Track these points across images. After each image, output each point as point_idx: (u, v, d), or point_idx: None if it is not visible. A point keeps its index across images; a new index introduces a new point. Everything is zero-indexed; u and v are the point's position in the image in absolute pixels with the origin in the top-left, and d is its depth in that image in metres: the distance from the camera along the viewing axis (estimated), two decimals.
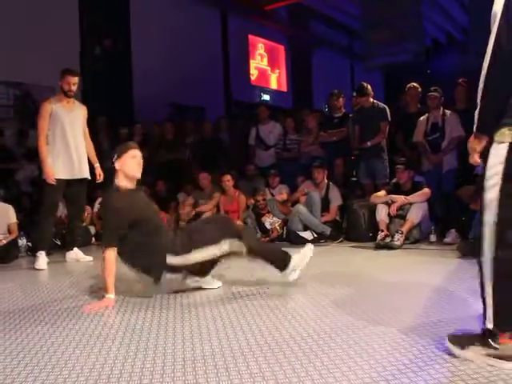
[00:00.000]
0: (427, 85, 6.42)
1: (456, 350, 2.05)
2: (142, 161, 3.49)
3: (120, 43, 10.13)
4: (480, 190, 1.98)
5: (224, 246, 3.26)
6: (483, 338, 1.99)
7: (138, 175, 3.45)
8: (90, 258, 5.32)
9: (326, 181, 6.39)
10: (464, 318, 2.60)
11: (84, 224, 6.57)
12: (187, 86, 10.98)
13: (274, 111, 9.06)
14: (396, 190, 5.72)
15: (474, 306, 2.80)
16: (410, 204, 5.52)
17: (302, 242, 5.86)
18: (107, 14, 9.79)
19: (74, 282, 4.12)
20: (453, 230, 5.37)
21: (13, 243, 5.81)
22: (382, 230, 5.43)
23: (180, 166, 8.10)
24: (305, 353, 2.20)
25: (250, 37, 14.35)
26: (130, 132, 8.44)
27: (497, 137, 1.92)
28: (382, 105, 6.54)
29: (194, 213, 7.21)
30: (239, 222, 6.84)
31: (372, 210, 5.82)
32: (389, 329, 2.48)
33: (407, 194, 5.59)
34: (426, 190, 5.54)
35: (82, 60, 9.63)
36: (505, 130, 1.90)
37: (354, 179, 6.83)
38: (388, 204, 5.63)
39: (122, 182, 3.42)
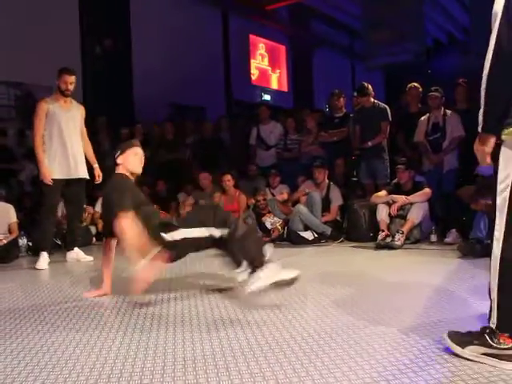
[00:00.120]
0: (428, 85, 6.42)
1: (455, 348, 2.06)
2: (143, 159, 3.58)
3: (120, 43, 10.14)
4: (492, 192, 1.99)
5: (207, 232, 3.20)
6: (483, 337, 1.99)
7: (139, 171, 3.54)
8: (91, 258, 5.32)
9: (326, 181, 6.39)
10: (464, 318, 2.59)
11: (84, 224, 6.57)
12: (188, 86, 10.99)
13: (275, 111, 9.06)
14: (397, 190, 5.72)
15: (474, 306, 2.80)
16: (411, 204, 5.52)
17: (303, 242, 5.89)
18: (107, 13, 9.80)
19: (75, 282, 4.12)
20: (453, 230, 5.37)
21: (13, 243, 5.81)
22: (383, 230, 5.43)
23: (180, 165, 8.11)
24: (305, 353, 2.20)
25: (251, 36, 14.36)
26: (130, 132, 8.44)
27: (505, 136, 1.91)
28: (382, 105, 6.53)
29: None
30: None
31: (373, 210, 5.81)
32: (389, 329, 2.48)
33: (408, 194, 5.58)
34: (427, 190, 5.54)
35: (83, 60, 9.63)
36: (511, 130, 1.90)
37: (354, 179, 6.83)
38: (389, 204, 5.62)
39: (121, 174, 3.50)
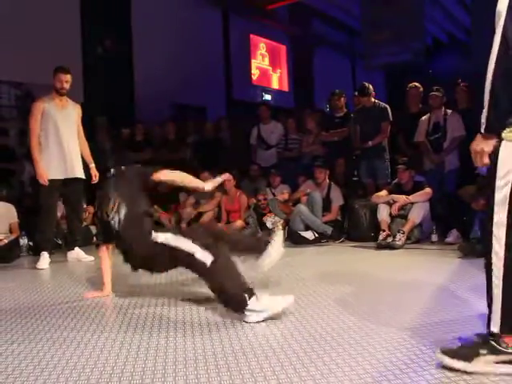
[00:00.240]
0: (429, 85, 6.42)
1: (460, 364, 1.91)
2: None
3: (121, 43, 10.13)
4: (490, 189, 1.93)
5: (192, 248, 2.87)
6: (489, 344, 1.90)
7: None
8: (92, 258, 5.32)
9: (327, 181, 6.39)
10: (465, 319, 2.59)
11: (85, 224, 6.57)
12: (188, 86, 10.98)
13: (276, 111, 9.05)
14: (397, 189, 5.72)
15: (475, 306, 2.80)
16: (412, 204, 5.52)
17: (304, 241, 5.89)
18: (108, 14, 9.78)
19: (76, 282, 4.12)
20: (454, 230, 5.37)
21: (14, 242, 5.81)
22: (384, 230, 5.43)
23: (181, 165, 8.08)
24: (306, 352, 2.20)
25: (252, 36, 14.34)
26: (131, 132, 8.44)
27: (507, 136, 1.89)
28: (383, 104, 6.53)
29: (195, 213, 7.21)
30: (240, 222, 6.86)
31: (373, 209, 5.82)
32: (390, 328, 2.48)
33: (408, 193, 5.59)
34: (428, 190, 5.54)
35: (84, 60, 9.63)
36: None
37: (355, 179, 6.82)
38: (389, 204, 5.62)
39: None
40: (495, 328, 1.90)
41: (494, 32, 1.88)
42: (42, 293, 3.77)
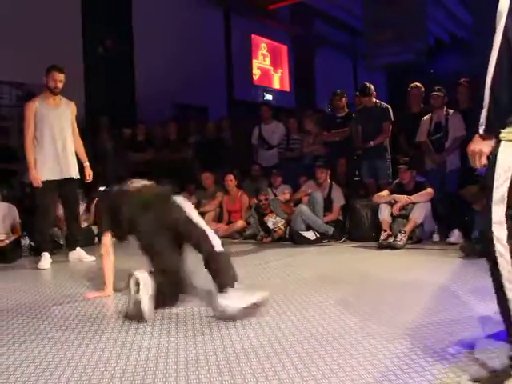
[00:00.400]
0: (430, 85, 6.41)
1: None
2: None
3: (122, 43, 10.14)
4: (487, 189, 1.89)
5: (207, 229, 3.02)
6: None
7: None
8: (93, 258, 5.31)
9: (328, 181, 6.38)
10: (466, 319, 2.59)
11: (86, 224, 6.57)
12: (190, 86, 10.98)
13: (277, 111, 9.05)
14: (399, 189, 5.71)
15: (476, 307, 2.80)
16: (413, 204, 5.52)
17: (305, 241, 5.89)
18: (109, 13, 9.79)
19: (77, 282, 4.12)
20: (456, 230, 5.36)
21: (16, 243, 5.81)
22: (385, 230, 5.42)
23: (183, 165, 8.11)
24: (308, 353, 2.20)
25: (253, 36, 14.34)
26: (132, 132, 8.45)
27: (507, 136, 1.87)
28: (384, 104, 6.53)
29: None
30: (241, 222, 6.86)
31: (375, 209, 5.81)
32: (391, 329, 2.48)
33: (410, 193, 5.58)
34: (429, 190, 5.53)
35: (85, 60, 9.64)
36: None
37: (356, 179, 6.81)
38: (391, 204, 5.62)
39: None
40: None
41: (494, 32, 1.87)
42: (43, 293, 3.77)
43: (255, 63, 14.52)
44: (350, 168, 6.99)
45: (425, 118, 6.19)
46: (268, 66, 15.06)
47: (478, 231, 4.58)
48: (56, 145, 5.14)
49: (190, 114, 10.89)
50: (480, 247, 4.48)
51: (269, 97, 14.66)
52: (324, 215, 6.14)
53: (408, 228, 5.35)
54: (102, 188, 3.83)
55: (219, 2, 12.62)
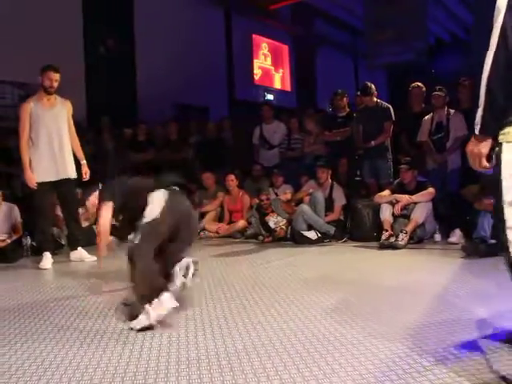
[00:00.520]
0: (431, 84, 6.41)
1: None
2: None
3: (124, 43, 10.15)
4: (497, 192, 1.85)
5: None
6: None
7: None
8: (95, 258, 5.30)
9: (329, 180, 6.38)
10: (468, 319, 2.59)
11: (88, 224, 6.56)
12: (191, 86, 10.99)
13: (278, 111, 9.05)
14: (400, 189, 5.71)
15: (477, 307, 2.80)
16: (415, 203, 5.51)
17: (307, 241, 5.89)
18: (111, 13, 9.80)
19: (78, 282, 4.12)
20: (457, 230, 5.35)
21: (17, 243, 5.81)
22: (387, 230, 5.42)
23: (184, 165, 8.12)
24: (309, 352, 2.20)
25: (254, 36, 14.35)
26: (133, 132, 8.45)
27: (504, 137, 1.83)
28: (385, 104, 6.52)
29: (198, 212, 7.22)
30: (243, 222, 6.86)
31: (376, 209, 5.80)
32: (393, 329, 2.48)
33: (411, 193, 5.57)
34: (431, 190, 5.53)
35: (86, 60, 9.65)
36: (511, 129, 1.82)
37: (357, 179, 6.81)
38: (392, 203, 5.61)
39: None
40: None
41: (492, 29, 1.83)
42: (44, 293, 3.77)
43: (256, 63, 14.53)
44: (351, 168, 6.98)
45: (426, 117, 6.19)
46: (269, 66, 15.06)
47: (492, 230, 4.59)
48: (52, 146, 5.11)
49: (190, 113, 10.90)
50: (484, 247, 4.49)
51: (270, 97, 14.67)
52: (325, 215, 6.14)
53: (409, 228, 5.34)
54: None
55: (220, 1, 12.63)
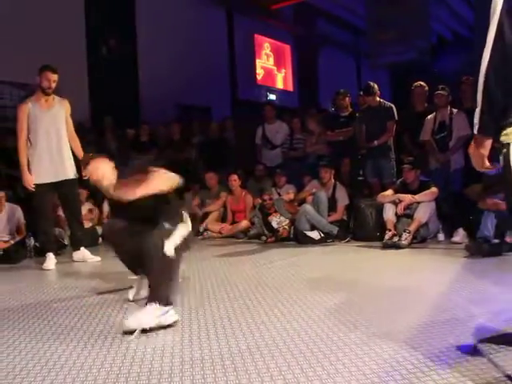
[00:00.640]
0: (434, 83, 6.40)
1: None
2: (96, 171, 3.24)
3: (126, 44, 10.17)
4: (509, 193, 1.84)
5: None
6: None
7: (107, 183, 3.19)
8: (98, 258, 5.30)
9: (332, 180, 6.37)
10: (471, 318, 2.59)
11: (91, 224, 6.58)
12: (193, 86, 11.00)
13: (281, 111, 9.05)
14: (403, 189, 5.70)
15: (480, 306, 2.80)
16: (418, 203, 5.50)
17: (310, 241, 5.88)
18: (113, 14, 9.82)
19: (82, 282, 4.13)
20: (460, 229, 5.35)
21: (20, 243, 5.82)
22: (390, 230, 5.41)
23: (187, 165, 8.12)
24: (313, 352, 2.20)
25: (256, 36, 14.36)
26: (136, 132, 8.46)
27: (505, 137, 1.79)
28: (388, 104, 6.51)
29: (200, 213, 7.22)
30: (245, 222, 6.87)
31: (379, 209, 5.80)
32: (397, 328, 2.47)
33: (414, 193, 5.56)
34: (434, 189, 5.52)
35: (88, 61, 9.67)
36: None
37: (360, 178, 6.80)
38: (395, 203, 5.60)
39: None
40: None
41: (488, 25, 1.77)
42: (48, 293, 3.78)
43: (258, 63, 14.54)
44: (354, 167, 6.98)
45: (429, 117, 6.18)
46: (271, 66, 15.07)
47: (495, 230, 4.58)
48: (51, 147, 5.09)
49: (193, 114, 10.91)
50: (487, 247, 4.49)
51: (272, 96, 14.67)
52: (328, 215, 6.14)
53: (412, 227, 5.33)
54: None
55: (222, 1, 12.64)
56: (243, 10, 13.11)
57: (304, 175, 7.04)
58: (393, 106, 6.47)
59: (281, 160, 7.75)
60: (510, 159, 1.80)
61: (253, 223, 6.72)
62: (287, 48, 15.56)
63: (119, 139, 8.43)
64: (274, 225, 6.32)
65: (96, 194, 6.48)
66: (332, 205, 6.23)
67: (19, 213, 5.98)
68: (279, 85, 15.36)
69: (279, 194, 6.80)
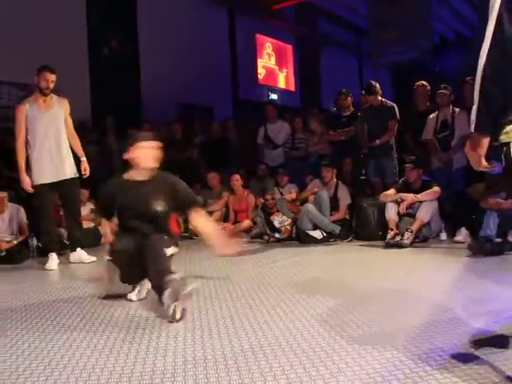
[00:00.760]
0: (436, 83, 6.39)
1: None
2: (154, 151, 3.51)
3: (127, 44, 10.17)
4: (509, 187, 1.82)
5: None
6: None
7: (148, 165, 3.42)
8: (94, 259, 5.22)
9: (334, 180, 6.37)
10: (474, 318, 2.58)
11: (93, 225, 6.58)
12: (195, 86, 11.00)
13: (282, 110, 9.06)
14: (405, 188, 5.70)
15: (483, 306, 2.80)
16: (420, 202, 5.50)
17: (312, 241, 5.88)
18: (114, 14, 9.82)
19: (84, 282, 4.13)
20: (463, 229, 5.34)
21: (23, 244, 5.82)
22: (392, 229, 5.41)
23: (188, 165, 8.12)
24: (315, 352, 2.20)
25: (258, 36, 14.35)
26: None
27: (505, 136, 1.76)
28: (390, 103, 6.51)
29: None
30: (248, 222, 6.87)
31: (381, 208, 5.79)
32: (399, 327, 2.47)
33: (417, 192, 5.56)
34: (436, 189, 5.51)
35: (90, 61, 9.67)
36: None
37: (362, 178, 6.80)
38: (397, 202, 5.60)
39: (129, 173, 3.43)
40: None
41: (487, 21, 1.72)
42: (51, 294, 3.78)
43: (260, 63, 14.53)
44: (356, 167, 6.98)
45: (431, 116, 6.17)
46: (273, 66, 15.06)
47: (497, 229, 4.57)
48: (50, 147, 5.07)
49: (195, 113, 10.91)
50: (489, 246, 4.48)
51: (274, 96, 14.67)
52: (330, 214, 6.14)
53: (415, 227, 5.33)
54: None
55: (223, 1, 12.64)
56: (245, 9, 13.10)
57: (306, 175, 7.05)
58: (395, 105, 6.47)
59: (283, 160, 7.76)
60: (511, 158, 1.78)
61: (255, 223, 6.72)
62: (289, 48, 15.55)
63: (121, 139, 8.42)
64: (276, 224, 6.31)
65: (97, 194, 6.47)
66: (334, 204, 6.23)
67: (22, 213, 5.98)
68: (281, 84, 15.36)
69: (281, 194, 6.81)
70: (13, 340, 2.61)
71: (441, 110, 6.08)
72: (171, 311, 2.77)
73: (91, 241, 6.07)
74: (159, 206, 3.30)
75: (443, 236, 5.52)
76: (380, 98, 6.50)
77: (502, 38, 1.67)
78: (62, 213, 5.89)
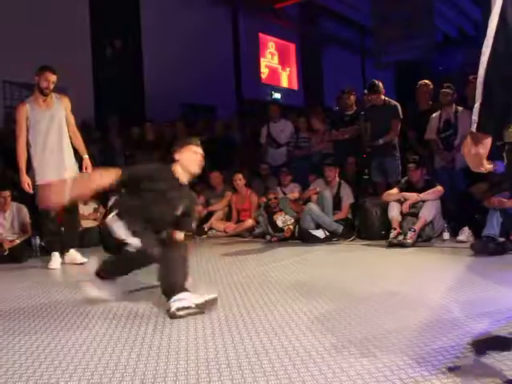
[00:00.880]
0: (439, 82, 6.38)
1: None
2: (201, 159, 3.57)
3: (131, 43, 10.19)
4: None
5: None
6: None
7: (194, 171, 3.52)
8: (86, 260, 5.10)
9: (337, 179, 6.37)
10: (477, 317, 2.58)
11: (96, 224, 6.59)
12: (198, 85, 11.01)
13: (285, 109, 9.05)
14: (408, 187, 5.69)
15: (486, 305, 2.79)
16: (423, 202, 5.49)
17: (315, 240, 5.88)
18: (118, 14, 9.84)
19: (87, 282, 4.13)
20: (466, 228, 5.33)
21: (26, 243, 5.84)
22: (395, 228, 5.40)
23: None
24: (318, 351, 2.20)
25: (261, 35, 14.35)
26: (141, 131, 8.47)
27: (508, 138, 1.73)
28: (393, 102, 6.50)
29: (205, 212, 7.23)
30: (251, 221, 6.87)
31: (384, 207, 5.78)
32: (403, 327, 2.47)
33: (420, 191, 5.55)
34: (439, 188, 5.50)
35: (94, 61, 9.69)
36: None
37: (365, 177, 6.80)
38: (400, 202, 5.60)
39: (176, 168, 3.48)
40: None
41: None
42: (53, 293, 3.79)
43: (263, 62, 14.54)
44: (359, 166, 6.98)
45: (434, 115, 6.16)
46: (276, 65, 15.06)
47: (500, 228, 4.56)
48: (52, 147, 5.06)
49: (198, 112, 10.93)
50: (492, 245, 4.47)
51: (277, 95, 14.67)
52: (333, 214, 6.13)
53: (418, 226, 5.32)
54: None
55: (227, 1, 12.64)
56: (248, 8, 13.11)
57: (309, 174, 7.04)
58: (398, 104, 6.45)
59: (286, 159, 7.75)
60: None
61: (258, 222, 6.72)
62: (292, 47, 15.55)
63: (124, 138, 8.44)
64: (279, 224, 6.31)
65: (99, 193, 6.46)
66: (337, 203, 6.23)
67: (25, 212, 5.99)
68: (284, 83, 15.36)
69: (284, 193, 6.81)
70: (15, 339, 2.61)
71: (444, 109, 6.07)
72: (175, 311, 2.83)
73: (94, 240, 6.06)
74: (179, 212, 3.42)
75: (446, 235, 5.51)
76: (383, 96, 6.49)
77: (504, 35, 1.61)
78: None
